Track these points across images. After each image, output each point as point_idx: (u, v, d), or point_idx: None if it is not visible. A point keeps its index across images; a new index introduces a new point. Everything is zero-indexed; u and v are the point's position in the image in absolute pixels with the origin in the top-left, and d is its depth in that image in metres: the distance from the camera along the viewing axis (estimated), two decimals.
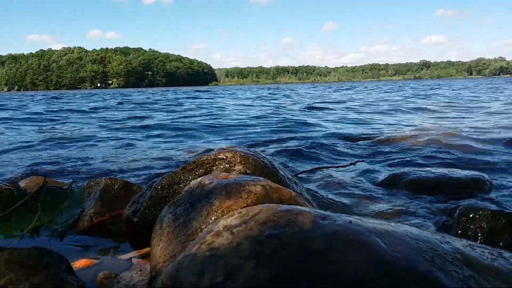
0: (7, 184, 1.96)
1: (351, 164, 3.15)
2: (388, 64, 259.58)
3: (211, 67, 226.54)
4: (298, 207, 0.98)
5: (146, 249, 1.52)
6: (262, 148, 4.47)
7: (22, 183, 2.27)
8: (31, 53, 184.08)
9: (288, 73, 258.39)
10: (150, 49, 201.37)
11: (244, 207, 1.12)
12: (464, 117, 7.64)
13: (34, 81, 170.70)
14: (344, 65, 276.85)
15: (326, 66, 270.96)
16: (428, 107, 10.52)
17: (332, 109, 11.12)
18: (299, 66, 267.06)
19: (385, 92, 24.49)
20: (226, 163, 1.66)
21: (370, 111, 9.97)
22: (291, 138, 5.25)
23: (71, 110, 13.46)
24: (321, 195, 2.45)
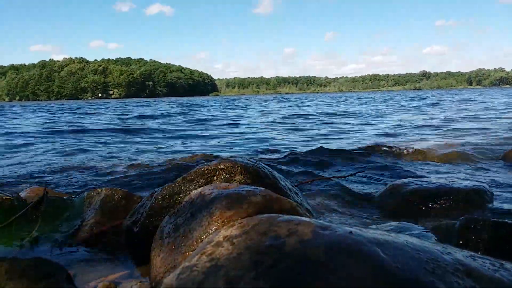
0: (8, 194, 1.96)
1: (351, 175, 3.15)
2: (388, 74, 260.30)
3: (211, 77, 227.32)
4: (299, 217, 0.98)
5: (146, 260, 1.52)
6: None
7: (23, 194, 2.27)
8: (33, 63, 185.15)
9: (289, 83, 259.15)
10: (151, 59, 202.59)
11: (245, 217, 1.12)
12: (468, 128, 7.65)
13: (36, 91, 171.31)
14: (345, 76, 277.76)
15: (326, 77, 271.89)
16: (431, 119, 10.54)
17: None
18: (300, 77, 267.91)
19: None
20: (227, 173, 1.66)
21: (375, 122, 9.98)
22: (295, 149, 5.26)
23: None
24: (322, 206, 2.45)
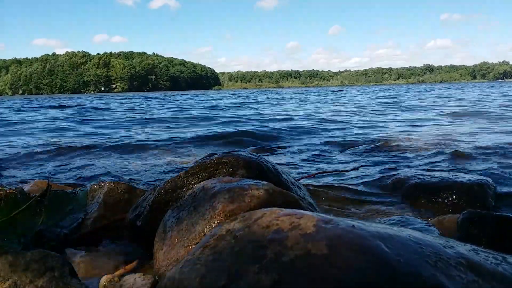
0: (11, 187, 1.97)
1: (354, 169, 3.15)
2: (391, 68, 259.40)
3: (214, 71, 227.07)
4: (301, 211, 0.98)
5: (150, 253, 1.52)
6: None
7: (26, 187, 2.28)
8: (36, 57, 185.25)
9: (291, 77, 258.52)
10: (154, 53, 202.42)
11: (247, 211, 1.12)
12: (470, 122, 7.61)
13: (39, 85, 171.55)
14: (348, 69, 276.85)
15: (329, 70, 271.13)
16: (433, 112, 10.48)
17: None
18: (303, 71, 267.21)
19: None
20: (229, 167, 1.66)
21: (376, 114, 9.94)
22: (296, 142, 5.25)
23: None
24: (324, 200, 2.45)
